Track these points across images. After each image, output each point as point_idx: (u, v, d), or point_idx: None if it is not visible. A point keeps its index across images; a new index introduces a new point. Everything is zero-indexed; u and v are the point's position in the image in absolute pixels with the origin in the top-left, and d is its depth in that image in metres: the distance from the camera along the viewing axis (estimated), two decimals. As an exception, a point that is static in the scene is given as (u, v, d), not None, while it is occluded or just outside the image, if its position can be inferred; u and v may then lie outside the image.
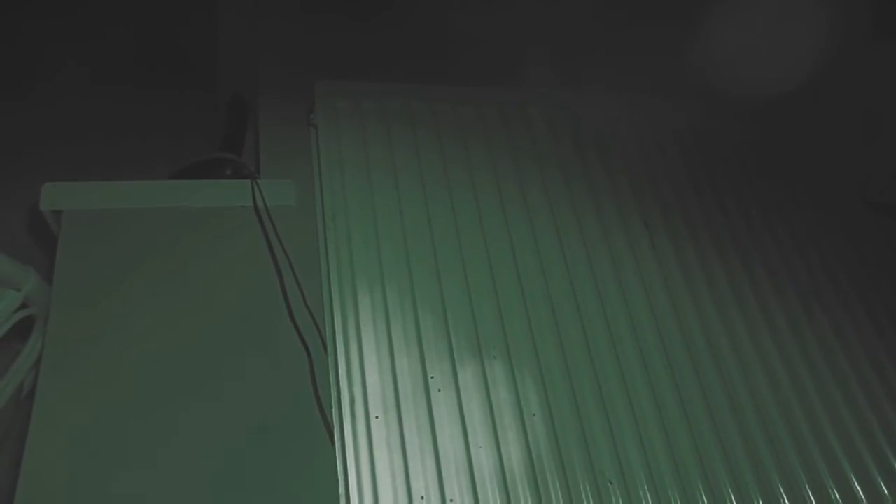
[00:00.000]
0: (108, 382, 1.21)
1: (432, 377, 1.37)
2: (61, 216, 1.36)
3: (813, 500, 1.41)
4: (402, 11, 1.84)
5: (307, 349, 1.31)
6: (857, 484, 1.46)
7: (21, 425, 1.19)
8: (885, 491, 1.46)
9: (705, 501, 1.36)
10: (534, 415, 1.37)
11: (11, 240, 1.40)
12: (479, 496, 1.26)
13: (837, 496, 1.43)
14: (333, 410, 1.28)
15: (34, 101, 1.73)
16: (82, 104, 1.76)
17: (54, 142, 1.65)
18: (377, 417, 1.30)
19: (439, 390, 1.35)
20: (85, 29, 1.82)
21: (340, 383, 1.31)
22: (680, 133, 1.92)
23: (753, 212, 1.83)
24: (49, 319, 1.25)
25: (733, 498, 1.38)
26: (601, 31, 1.95)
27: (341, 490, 1.21)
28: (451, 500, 1.25)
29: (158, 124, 1.77)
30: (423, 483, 1.25)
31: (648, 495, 1.34)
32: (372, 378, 1.34)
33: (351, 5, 1.83)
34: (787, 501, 1.40)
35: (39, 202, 1.35)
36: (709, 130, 1.95)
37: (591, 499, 1.31)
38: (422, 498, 1.24)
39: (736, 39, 1.83)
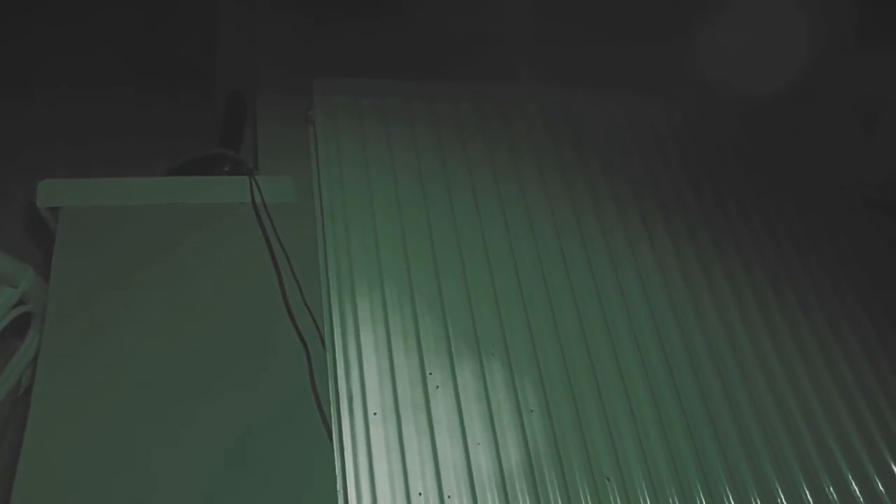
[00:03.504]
0: (105, 379, 1.21)
1: (430, 374, 1.37)
2: (58, 213, 1.35)
3: (810, 498, 1.41)
4: (401, 10, 1.84)
5: (305, 346, 1.31)
6: (854, 483, 1.46)
7: (18, 422, 1.19)
8: (882, 490, 1.47)
9: (703, 499, 1.36)
10: (532, 411, 1.37)
11: (8, 237, 1.40)
12: (477, 492, 1.26)
13: (834, 494, 1.43)
14: (332, 407, 1.28)
15: (33, 101, 1.73)
16: (80, 103, 1.76)
17: (52, 141, 1.65)
18: (375, 414, 1.30)
19: (437, 387, 1.35)
20: (83, 26, 1.82)
21: (339, 380, 1.31)
22: (679, 132, 1.92)
23: (752, 211, 1.83)
24: (46, 316, 1.24)
25: (730, 495, 1.38)
26: (600, 30, 1.96)
27: (339, 486, 1.21)
28: (449, 497, 1.25)
29: (157, 122, 1.77)
30: (421, 480, 1.25)
31: (646, 492, 1.34)
32: (370, 375, 1.34)
33: (349, 3, 1.83)
34: (783, 500, 1.40)
35: (36, 199, 1.34)
36: (708, 129, 1.95)
37: (588, 496, 1.31)
38: (420, 494, 1.24)
39: (734, 38, 1.83)
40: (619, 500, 1.32)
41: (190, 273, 1.35)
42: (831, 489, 1.44)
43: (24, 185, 1.39)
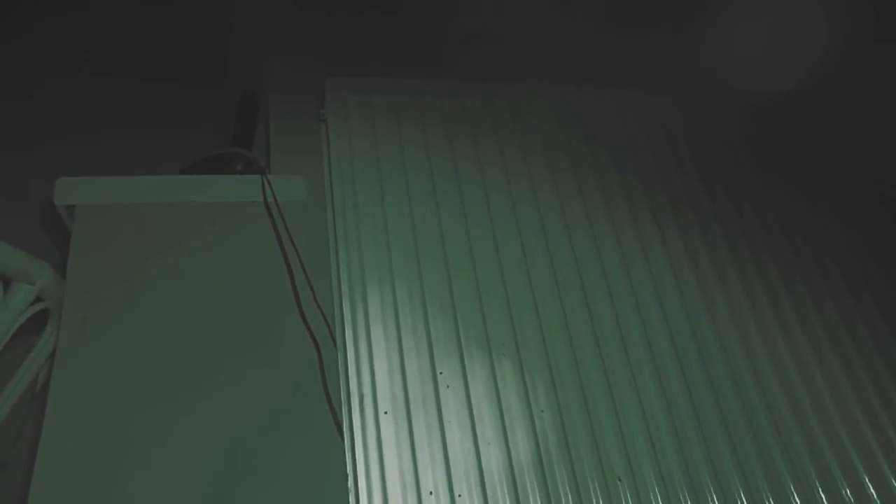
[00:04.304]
0: (120, 375, 1.22)
1: (441, 373, 1.37)
2: (74, 210, 1.37)
3: (824, 499, 1.40)
4: (413, 7, 1.84)
5: (317, 344, 1.32)
6: (869, 484, 1.45)
7: (36, 418, 1.21)
8: (899, 491, 1.45)
9: (715, 499, 1.35)
10: (542, 411, 1.37)
11: (25, 234, 1.41)
12: (488, 492, 1.26)
13: (849, 495, 1.42)
14: (342, 406, 1.28)
15: (46, 97, 1.74)
16: (94, 100, 1.78)
17: (67, 137, 1.66)
18: (386, 413, 1.30)
19: (448, 386, 1.36)
20: (96, 24, 1.83)
21: (350, 379, 1.32)
22: (691, 130, 1.90)
23: (766, 209, 1.81)
24: (63, 313, 1.26)
25: (743, 496, 1.37)
26: (614, 27, 1.94)
27: (350, 485, 1.22)
28: (460, 496, 1.25)
29: (170, 119, 1.78)
30: (431, 479, 1.25)
31: (658, 493, 1.33)
32: (381, 373, 1.34)
33: (362, 2, 1.83)
34: (797, 500, 1.39)
35: (53, 197, 1.36)
36: (720, 127, 1.93)
37: (599, 496, 1.30)
38: (430, 493, 1.24)
39: (747, 34, 1.81)
40: (630, 500, 1.31)
41: (203, 270, 1.36)
42: (847, 491, 1.42)
43: (38, 181, 1.41)
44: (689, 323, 1.56)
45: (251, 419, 1.22)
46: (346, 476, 1.22)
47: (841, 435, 1.49)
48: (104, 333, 1.25)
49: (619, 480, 1.33)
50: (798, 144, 1.96)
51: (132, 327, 1.27)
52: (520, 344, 1.44)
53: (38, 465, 1.11)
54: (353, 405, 1.29)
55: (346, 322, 1.37)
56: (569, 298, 1.52)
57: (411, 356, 1.37)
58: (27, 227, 1.48)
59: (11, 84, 1.72)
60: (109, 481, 1.13)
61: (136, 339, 1.26)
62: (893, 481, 1.46)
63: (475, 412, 1.33)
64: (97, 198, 1.39)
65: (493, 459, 1.30)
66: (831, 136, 1.97)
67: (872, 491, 1.44)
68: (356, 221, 1.50)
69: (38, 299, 1.31)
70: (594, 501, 1.30)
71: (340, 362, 1.33)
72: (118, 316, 1.28)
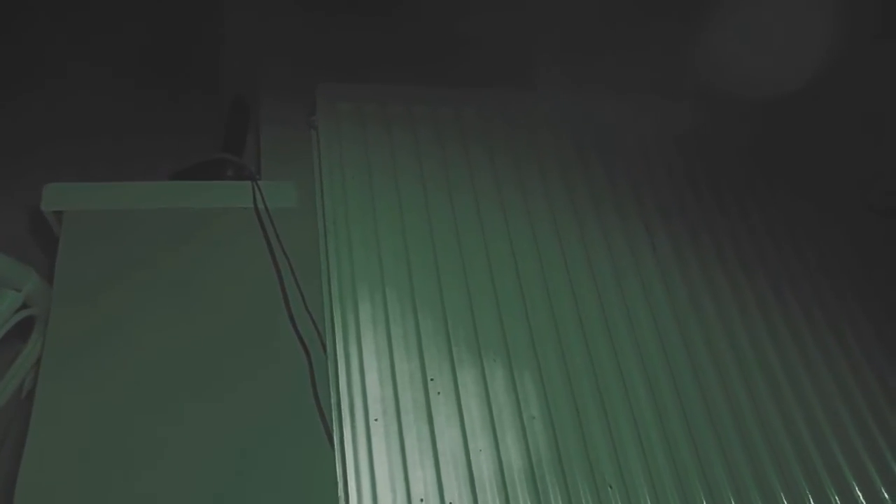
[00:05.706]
0: (107, 383, 1.21)
1: (432, 380, 1.37)
2: (62, 217, 1.36)
3: (812, 502, 1.41)
4: (406, 13, 1.85)
5: (307, 351, 1.31)
6: (858, 489, 1.45)
7: (21, 425, 1.20)
8: (886, 496, 1.46)
9: (705, 506, 1.36)
10: (533, 418, 1.37)
11: (12, 240, 1.40)
12: (479, 499, 1.26)
13: (837, 500, 1.42)
14: (333, 413, 1.28)
15: (37, 101, 1.74)
16: (85, 104, 1.77)
17: (56, 141, 1.65)
18: (376, 420, 1.30)
19: (439, 393, 1.35)
20: (88, 28, 1.83)
21: (340, 386, 1.31)
22: (682, 135, 1.91)
23: (755, 214, 1.82)
24: (49, 320, 1.25)
25: (733, 502, 1.37)
26: (603, 32, 1.95)
27: (340, 493, 1.21)
28: (451, 503, 1.24)
29: (161, 124, 1.77)
30: (422, 486, 1.25)
31: (648, 499, 1.34)
32: (371, 381, 1.34)
33: (354, 7, 1.83)
34: (786, 505, 1.40)
35: (41, 202, 1.35)
36: (711, 132, 1.94)
37: (590, 502, 1.30)
38: (421, 500, 1.24)
39: (738, 39, 1.82)
40: (620, 507, 1.32)
41: (192, 277, 1.35)
42: (834, 495, 1.43)
43: (27, 185, 1.40)
44: (679, 328, 1.57)
45: (240, 427, 1.21)
46: (337, 484, 1.21)
47: (828, 439, 1.50)
48: (91, 341, 1.24)
49: (610, 487, 1.33)
50: (787, 150, 1.97)
51: (119, 334, 1.26)
52: (510, 350, 1.44)
53: (23, 473, 1.10)
54: (343, 412, 1.29)
55: (336, 329, 1.37)
56: (559, 304, 1.53)
57: (402, 363, 1.37)
58: (14, 233, 1.47)
59: (1, 88, 1.71)
60: (95, 489, 1.12)
61: (123, 346, 1.25)
62: (880, 484, 1.47)
63: (466, 419, 1.33)
64: (85, 204, 1.38)
65: (484, 466, 1.29)
66: (820, 142, 1.99)
67: (859, 493, 1.45)
68: (347, 228, 1.50)
69: (25, 306, 1.30)
70: (585, 508, 1.30)
71: (331, 369, 1.32)
72: (105, 323, 1.27)
